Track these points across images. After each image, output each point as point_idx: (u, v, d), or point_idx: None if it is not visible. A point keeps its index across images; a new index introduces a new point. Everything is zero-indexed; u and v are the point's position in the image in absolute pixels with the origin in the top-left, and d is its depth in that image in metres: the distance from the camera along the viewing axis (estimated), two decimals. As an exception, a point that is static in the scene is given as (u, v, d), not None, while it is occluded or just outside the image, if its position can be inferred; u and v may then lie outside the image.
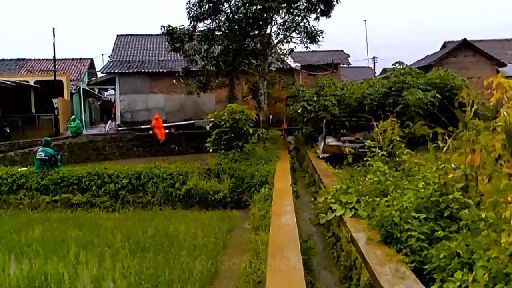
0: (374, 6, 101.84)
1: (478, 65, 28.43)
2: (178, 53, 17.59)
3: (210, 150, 12.22)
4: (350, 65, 34.92)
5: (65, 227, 7.82)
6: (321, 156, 11.09)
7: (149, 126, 23.46)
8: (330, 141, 11.76)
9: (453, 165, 6.79)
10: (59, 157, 11.89)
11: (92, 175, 10.41)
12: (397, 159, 6.75)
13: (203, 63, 17.48)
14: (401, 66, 15.87)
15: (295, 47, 19.29)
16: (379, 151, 6.39)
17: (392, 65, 16.11)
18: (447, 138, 6.07)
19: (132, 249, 6.30)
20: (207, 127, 20.46)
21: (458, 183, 4.72)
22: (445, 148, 6.56)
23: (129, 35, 33.48)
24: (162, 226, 7.73)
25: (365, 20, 60.99)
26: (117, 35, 33.34)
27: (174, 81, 19.89)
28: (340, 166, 10.62)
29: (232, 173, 10.54)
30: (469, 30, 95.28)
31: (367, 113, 13.55)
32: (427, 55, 32.32)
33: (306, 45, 18.45)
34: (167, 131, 23.45)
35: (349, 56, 33.36)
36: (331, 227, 6.04)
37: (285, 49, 19.72)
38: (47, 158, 10.82)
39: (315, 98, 14.50)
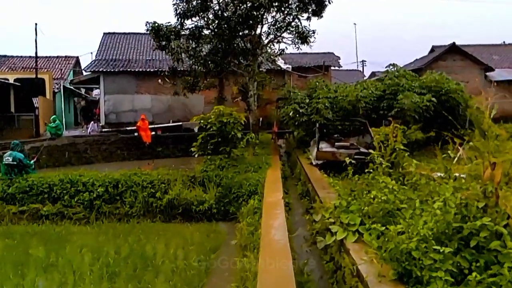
0: (362, 10, 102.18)
1: (466, 69, 28.40)
2: (165, 52, 16.68)
3: (196, 156, 11.38)
4: (341, 68, 34.63)
5: (28, 244, 6.91)
6: (314, 163, 10.33)
7: (135, 127, 22.52)
8: (324, 146, 11.00)
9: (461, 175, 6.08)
10: (32, 162, 10.94)
11: (64, 183, 9.48)
12: (401, 170, 6.00)
13: (190, 62, 16.61)
14: (395, 69, 15.27)
15: (286, 47, 18.61)
16: (382, 161, 5.61)
17: (386, 67, 15.51)
18: (458, 147, 5.35)
19: (100, 274, 5.44)
20: (195, 129, 19.62)
21: (479, 202, 3.99)
22: (456, 158, 5.86)
23: (116, 33, 32.54)
24: (138, 244, 6.87)
25: (355, 23, 60.56)
26: (104, 33, 32.40)
27: (160, 81, 18.96)
28: (335, 174, 9.89)
29: (219, 181, 9.73)
30: (455, 36, 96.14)
31: (361, 117, 12.87)
32: (416, 59, 32.58)
33: (297, 45, 17.78)
34: (153, 133, 22.54)
35: (339, 58, 33.11)
36: (329, 249, 5.27)
37: (275, 49, 19.04)
38: (15, 163, 9.86)
39: (307, 101, 13.78)
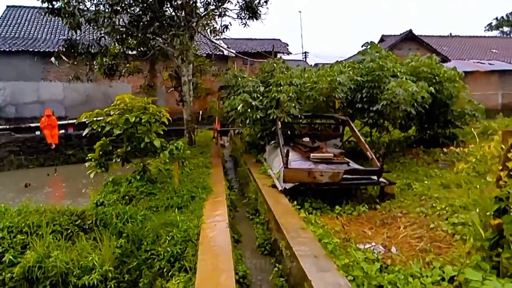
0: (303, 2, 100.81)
1: (423, 58, 27.25)
2: (61, 19, 11.83)
3: (92, 175, 7.10)
4: (290, 54, 32.13)
5: None
6: (280, 187, 6.57)
7: (38, 125, 17.49)
8: (294, 159, 7.20)
9: None
10: None
11: None
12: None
13: (98, 34, 12.01)
14: (369, 48, 11.82)
15: (229, 23, 14.67)
16: None
17: (362, 46, 12.05)
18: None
19: None
20: (85, 132, 15.20)
21: None
22: None
23: (23, 6, 27.05)
24: None
25: (300, 11, 57.46)
26: (7, 6, 26.75)
27: (53, 59, 13.99)
28: (312, 203, 6.25)
29: (121, 226, 5.63)
30: (401, 28, 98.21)
31: (341, 112, 9.35)
32: (368, 48, 31.11)
33: (244, 20, 13.94)
34: (62, 131, 17.70)
35: (287, 45, 30.66)
36: None
37: (214, 23, 15.13)
38: None
39: (261, 89, 9.94)
